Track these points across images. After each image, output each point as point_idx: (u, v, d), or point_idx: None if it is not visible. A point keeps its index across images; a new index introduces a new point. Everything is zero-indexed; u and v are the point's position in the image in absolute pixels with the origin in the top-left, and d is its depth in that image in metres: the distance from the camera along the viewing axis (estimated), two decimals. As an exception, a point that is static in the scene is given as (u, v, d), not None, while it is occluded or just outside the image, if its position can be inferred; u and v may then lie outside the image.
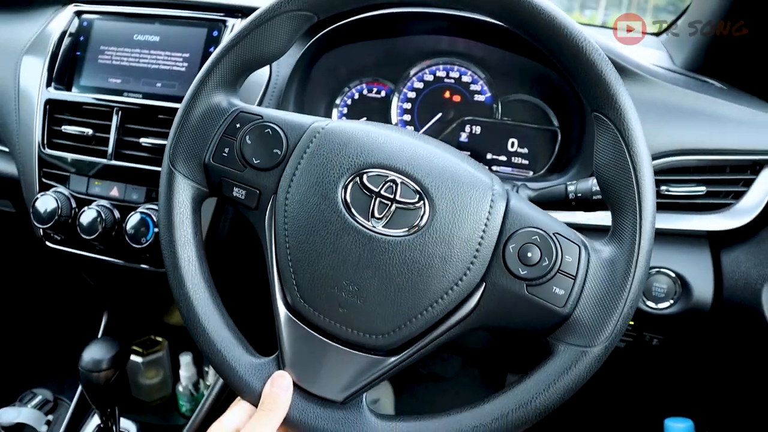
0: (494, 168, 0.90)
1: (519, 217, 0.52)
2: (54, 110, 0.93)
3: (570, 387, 0.50)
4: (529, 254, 0.50)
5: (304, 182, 0.54)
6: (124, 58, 0.93)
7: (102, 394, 0.91)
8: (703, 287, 0.79)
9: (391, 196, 0.52)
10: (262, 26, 0.58)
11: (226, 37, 0.81)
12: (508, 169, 0.90)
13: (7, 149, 1.02)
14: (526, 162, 0.90)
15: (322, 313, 0.53)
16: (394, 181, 0.53)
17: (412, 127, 0.93)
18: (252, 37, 0.58)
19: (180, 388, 1.15)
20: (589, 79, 0.51)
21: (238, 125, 0.59)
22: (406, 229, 0.52)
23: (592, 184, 0.63)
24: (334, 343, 0.53)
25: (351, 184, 0.53)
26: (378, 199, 0.52)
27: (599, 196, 0.63)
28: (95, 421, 1.03)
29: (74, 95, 0.92)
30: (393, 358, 0.53)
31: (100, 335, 1.13)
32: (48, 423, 1.17)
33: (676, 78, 0.85)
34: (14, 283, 1.41)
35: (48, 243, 0.94)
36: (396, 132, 0.57)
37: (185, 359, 1.14)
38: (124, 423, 1.04)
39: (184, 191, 0.59)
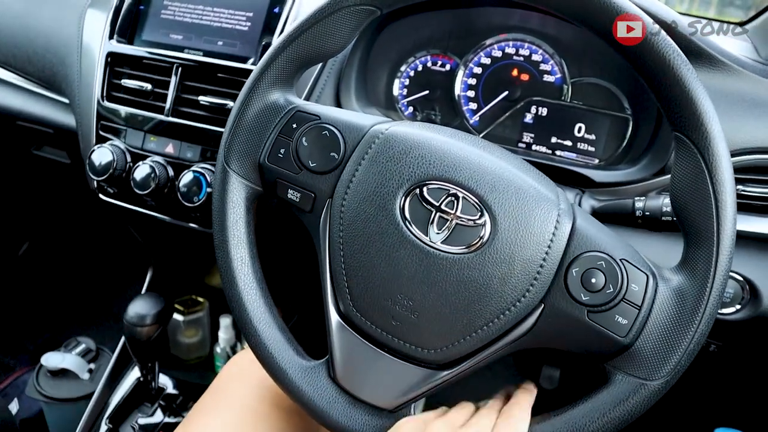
0: (558, 153, 0.86)
1: (585, 239, 0.49)
2: (115, 63, 0.93)
3: (624, 419, 0.48)
4: (593, 280, 0.48)
5: (361, 189, 0.52)
6: (186, 14, 0.91)
7: (144, 349, 0.92)
8: None
9: (452, 211, 0.50)
10: (322, 21, 0.55)
11: (288, 20, 0.79)
12: (573, 155, 0.86)
13: (67, 101, 1.03)
14: (592, 149, 0.85)
15: (374, 324, 0.52)
16: (455, 196, 0.50)
17: (475, 104, 0.90)
18: (311, 33, 0.56)
19: (218, 350, 1.16)
20: (673, 96, 0.47)
21: (294, 125, 0.57)
22: (466, 246, 0.49)
23: (662, 203, 0.59)
24: (385, 354, 0.52)
25: (410, 195, 0.51)
26: (438, 213, 0.50)
27: (669, 218, 0.59)
28: (135, 373, 1.05)
29: (135, 49, 0.92)
30: (445, 372, 0.52)
31: (144, 291, 1.15)
32: (90, 371, 1.20)
33: (764, 70, 0.79)
34: (66, 235, 1.45)
35: (101, 196, 0.95)
36: (459, 140, 0.54)
37: (225, 321, 1.15)
38: (163, 378, 1.05)
39: (238, 191, 0.58)
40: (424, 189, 0.51)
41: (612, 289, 0.47)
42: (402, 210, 0.51)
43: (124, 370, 1.08)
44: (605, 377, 0.50)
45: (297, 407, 0.54)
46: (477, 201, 0.50)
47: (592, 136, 0.85)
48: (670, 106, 0.48)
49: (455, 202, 0.50)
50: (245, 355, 0.76)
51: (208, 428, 0.64)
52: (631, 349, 0.48)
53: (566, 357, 1.14)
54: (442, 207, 0.50)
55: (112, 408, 1.01)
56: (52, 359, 1.20)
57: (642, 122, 0.82)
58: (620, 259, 0.48)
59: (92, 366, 1.21)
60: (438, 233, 0.50)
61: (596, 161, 0.85)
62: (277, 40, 0.58)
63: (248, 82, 0.58)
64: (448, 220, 0.50)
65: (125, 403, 1.02)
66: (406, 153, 0.52)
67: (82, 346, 1.24)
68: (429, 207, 0.50)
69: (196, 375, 1.11)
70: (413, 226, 0.50)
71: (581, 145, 0.86)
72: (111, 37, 0.93)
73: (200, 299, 1.22)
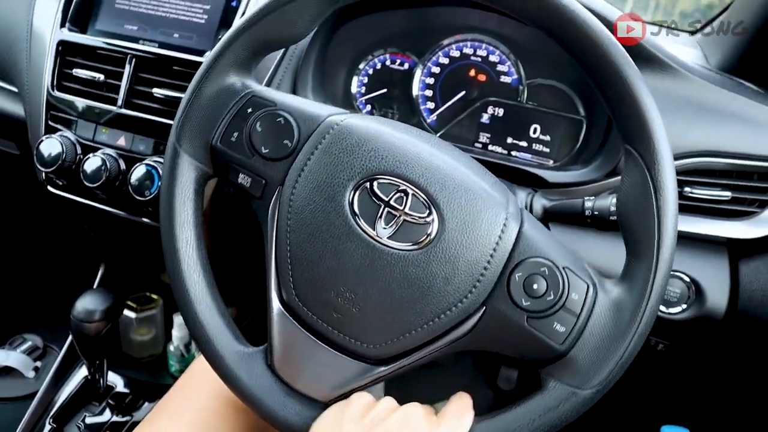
0: (514, 153, 0.87)
1: (530, 245, 0.50)
2: (66, 52, 0.91)
3: (554, 425, 0.48)
4: (535, 286, 0.48)
5: (312, 179, 0.52)
6: (142, 4, 0.90)
7: (92, 346, 0.90)
8: (717, 295, 0.76)
9: (401, 208, 0.50)
10: (283, 7, 0.55)
11: (245, 13, 0.78)
12: (528, 156, 0.87)
13: (15, 89, 0.99)
14: (547, 150, 0.87)
15: (315, 314, 0.51)
16: (405, 192, 0.50)
17: (432, 103, 0.90)
18: (272, 18, 0.55)
19: (171, 348, 1.13)
20: (628, 111, 0.48)
21: (249, 110, 0.56)
22: (412, 243, 0.49)
23: (610, 203, 0.60)
24: (324, 345, 0.52)
25: (360, 189, 0.51)
26: (386, 208, 0.50)
27: (615, 217, 0.60)
28: (83, 371, 1.02)
29: (88, 38, 0.89)
30: (382, 368, 0.51)
31: (95, 286, 1.12)
32: (36, 369, 1.16)
33: (711, 76, 0.82)
34: (14, 228, 1.40)
35: (50, 188, 0.92)
36: (413, 137, 0.54)
37: (179, 319, 1.12)
38: (112, 376, 1.03)
39: (187, 171, 0.57)
40: (374, 183, 0.51)
41: (552, 296, 0.48)
42: (351, 203, 0.50)
43: (71, 368, 1.04)
44: (538, 383, 0.50)
45: None
46: (426, 198, 0.50)
47: (547, 137, 0.87)
48: (622, 119, 0.49)
49: (404, 198, 0.50)
50: None
51: (172, 430, 0.63)
52: (566, 357, 0.48)
53: (502, 361, 1.15)
54: (391, 202, 0.50)
55: (57, 407, 0.98)
56: (-5, 357, 1.15)
57: (594, 124, 0.84)
58: (563, 267, 0.49)
59: (38, 364, 1.17)
60: (385, 228, 0.50)
61: (551, 162, 0.86)
62: (236, 23, 0.58)
63: (205, 62, 0.57)
64: (396, 215, 0.50)
65: (71, 402, 0.99)
66: (359, 146, 0.52)
67: (28, 344, 1.20)
68: (378, 201, 0.50)
69: (147, 374, 1.09)
70: (361, 219, 0.50)
71: (536, 146, 0.87)
72: (63, 25, 0.90)
73: (154, 296, 1.19)
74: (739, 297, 0.76)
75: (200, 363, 0.72)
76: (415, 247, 0.49)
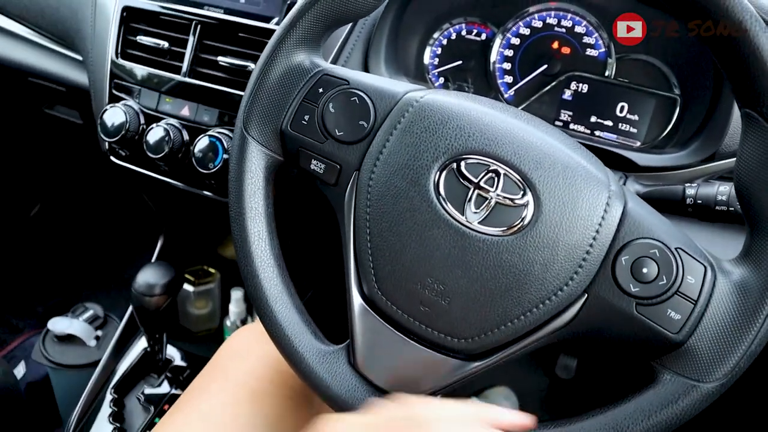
0: (597, 133, 0.81)
1: (637, 225, 0.45)
2: (130, 19, 0.89)
3: (671, 423, 0.44)
4: (645, 270, 0.44)
5: (392, 162, 0.48)
6: (208, -32, 0.86)
7: (152, 319, 0.89)
8: None
9: (492, 189, 0.46)
10: None
11: None
12: (613, 137, 0.80)
13: (80, 58, 0.98)
14: (634, 130, 0.80)
15: (400, 309, 0.48)
16: (496, 172, 0.46)
17: (511, 77, 0.84)
18: None
19: (228, 323, 1.13)
20: (747, 66, 0.42)
21: (320, 90, 0.52)
22: (506, 227, 0.45)
23: (717, 191, 0.55)
24: (411, 341, 0.48)
25: (446, 170, 0.47)
26: (476, 190, 0.46)
27: (723, 207, 0.55)
28: (142, 343, 1.02)
29: (152, 3, 0.87)
30: (475, 364, 0.48)
31: (154, 258, 1.12)
32: (97, 338, 1.18)
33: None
34: (78, 198, 1.42)
35: (113, 158, 0.91)
36: (501, 112, 0.50)
37: (236, 294, 1.11)
38: (170, 350, 1.03)
39: (257, 159, 0.54)
40: (462, 163, 0.47)
41: (665, 281, 0.43)
42: (436, 186, 0.47)
43: (131, 339, 1.05)
44: (651, 375, 0.46)
45: (301, 387, 0.51)
46: (520, 179, 0.46)
47: (635, 117, 0.80)
48: (742, 78, 0.43)
49: (496, 178, 0.46)
50: (247, 331, 0.72)
51: (205, 410, 0.61)
52: (683, 347, 0.44)
53: (608, 351, 1.09)
54: (481, 184, 0.46)
55: (117, 377, 0.98)
56: (59, 324, 1.17)
57: (692, 104, 0.76)
58: (675, 248, 0.44)
59: (99, 333, 1.18)
60: (475, 212, 0.46)
61: (638, 144, 0.79)
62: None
63: (271, 41, 0.54)
64: (487, 198, 0.46)
65: (131, 373, 0.99)
66: (443, 124, 0.48)
67: (89, 312, 1.22)
68: (467, 183, 0.46)
69: (205, 348, 1.08)
70: (448, 203, 0.46)
71: (623, 126, 0.80)
72: (127, -10, 0.88)
73: (212, 270, 1.18)
74: None
75: (230, 344, 0.69)
76: (510, 231, 0.45)
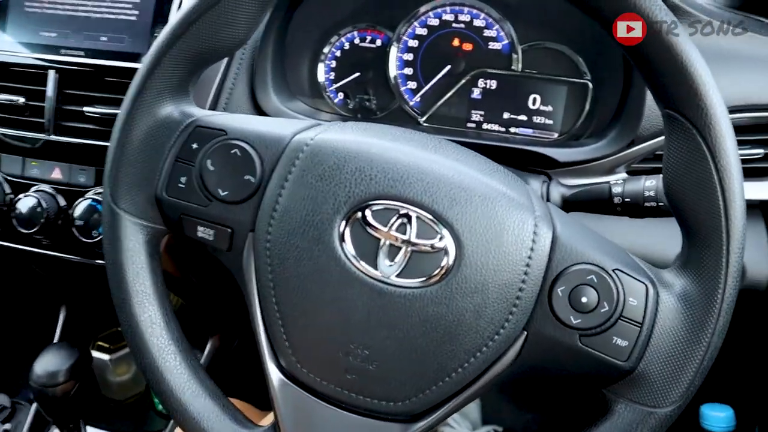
0: (512, 129, 0.77)
1: (569, 250, 0.42)
2: (-26, 73, 0.77)
3: None
4: (584, 299, 0.41)
5: (288, 220, 0.43)
6: (58, 4, 0.77)
7: (61, 409, 0.78)
8: (757, 265, 0.68)
9: (405, 237, 0.41)
10: (215, 7, 0.45)
11: (169, 22, 0.67)
12: (529, 131, 0.77)
13: None
14: (549, 122, 0.77)
15: (325, 380, 0.43)
16: (407, 216, 0.42)
17: (414, 83, 0.79)
18: (203, 23, 0.45)
19: (156, 386, 1.03)
20: (668, 70, 0.39)
21: (194, 145, 0.47)
22: (426, 277, 0.41)
23: (643, 186, 0.53)
24: (344, 411, 0.44)
25: (351, 221, 0.42)
26: (388, 240, 0.42)
27: (652, 203, 0.53)
28: (60, 431, 0.91)
29: (-2, 53, 0.76)
30: (420, 423, 0.44)
31: (58, 334, 1.01)
32: (6, 432, 1.06)
33: (734, 18, 0.71)
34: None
35: (-19, 236, 0.80)
36: (404, 144, 0.45)
37: (160, 354, 1.02)
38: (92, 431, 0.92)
39: (134, 235, 0.48)
40: (367, 212, 0.42)
41: (607, 308, 0.41)
42: (342, 240, 0.42)
43: (46, 427, 0.94)
44: (605, 405, 0.44)
45: None
46: (434, 219, 0.42)
47: (549, 108, 0.77)
48: (661, 80, 0.40)
49: (407, 224, 0.42)
50: None
51: None
52: (634, 374, 0.41)
53: (556, 385, 1.09)
54: (392, 232, 0.42)
55: (35, 478, 0.88)
56: (-39, 421, 1.04)
57: (604, 88, 0.74)
58: (613, 270, 0.41)
59: (8, 426, 1.06)
60: (390, 265, 0.42)
61: (555, 135, 0.77)
62: (159, 36, 0.47)
63: (129, 92, 0.48)
64: (400, 247, 0.42)
65: (51, 470, 0.89)
66: (339, 168, 0.43)
67: (-6, 404, 1.09)
68: (375, 234, 0.42)
69: (132, 422, 0.99)
70: (359, 259, 0.42)
71: (537, 119, 0.77)
72: (-36, 41, 0.77)
73: (128, 331, 1.08)
74: None
75: None
76: (432, 281, 0.41)
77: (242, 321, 0.93)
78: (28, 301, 1.16)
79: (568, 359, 0.42)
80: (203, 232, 0.46)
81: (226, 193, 0.45)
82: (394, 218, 0.42)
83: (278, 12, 0.72)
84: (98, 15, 0.75)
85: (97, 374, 1.03)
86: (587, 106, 0.75)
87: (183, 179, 0.47)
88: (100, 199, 0.71)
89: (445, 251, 0.41)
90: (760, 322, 0.78)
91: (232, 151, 0.46)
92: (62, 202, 0.74)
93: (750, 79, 0.65)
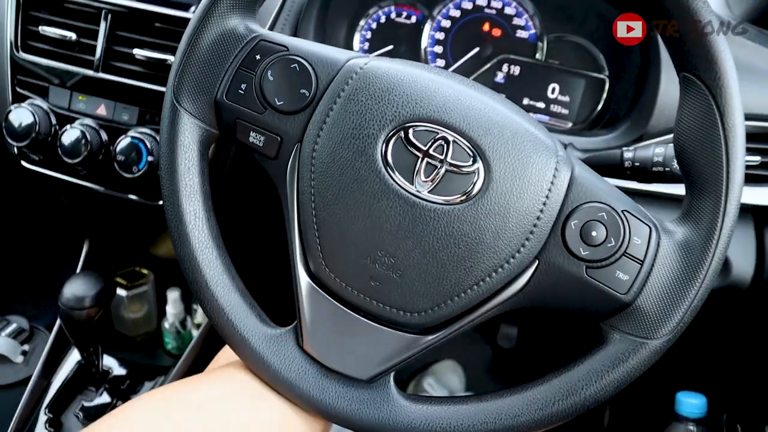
0: (530, 115, 0.81)
1: (584, 189, 0.45)
2: (29, 5, 0.81)
3: (623, 380, 0.45)
4: (594, 233, 0.44)
5: (336, 132, 0.46)
6: (115, -50, 0.79)
7: (84, 332, 0.84)
8: (743, 265, 0.73)
9: (441, 157, 0.44)
10: None
11: None
12: (546, 118, 0.81)
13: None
14: (566, 111, 0.81)
15: (350, 285, 0.46)
16: (445, 139, 0.44)
17: (443, 61, 0.83)
18: None
19: (166, 325, 1.08)
20: (687, 32, 0.43)
21: (257, 57, 0.49)
22: (456, 196, 0.44)
23: (653, 153, 0.56)
24: (362, 318, 0.47)
25: (394, 139, 0.45)
26: (426, 159, 0.44)
27: (660, 168, 0.56)
28: (76, 355, 0.97)
29: (53, -11, 0.80)
30: (428, 337, 0.47)
31: (80, 265, 1.05)
32: (24, 353, 1.10)
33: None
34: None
35: (24, 163, 0.84)
36: (449, 79, 0.48)
37: (173, 295, 1.07)
38: (107, 360, 0.97)
39: (190, 133, 0.50)
40: (410, 131, 0.45)
41: (613, 243, 0.44)
42: (384, 155, 0.45)
43: (63, 351, 0.99)
44: (600, 337, 0.47)
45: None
46: (469, 145, 0.45)
47: (566, 98, 0.81)
48: (679, 42, 0.44)
49: (445, 146, 0.45)
50: None
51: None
52: (631, 307, 0.45)
53: (556, 316, 1.13)
54: (431, 152, 0.44)
55: (51, 395, 0.92)
56: (-23, 342, 1.09)
57: (620, 85, 0.78)
58: (622, 210, 0.45)
59: (26, 347, 1.10)
60: (425, 181, 0.45)
61: (569, 125, 0.81)
62: None
63: (203, 3, 0.50)
64: (436, 166, 0.44)
65: (66, 389, 0.93)
66: (389, 91, 0.46)
67: (13, 326, 1.13)
68: (415, 152, 0.45)
69: (143, 355, 1.04)
70: (397, 173, 0.45)
71: (554, 108, 0.81)
72: (22, -28, 0.80)
73: (144, 271, 1.13)
74: (765, 266, 0.73)
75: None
76: (460, 200, 0.44)
77: (265, 254, 0.96)
78: (52, 233, 1.20)
79: (574, 290, 0.45)
80: (254, 138, 0.49)
81: (281, 102, 0.48)
82: (433, 140, 0.44)
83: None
84: (153, -36, 0.79)
85: (112, 309, 1.08)
86: (602, 100, 0.80)
87: (243, 86, 0.49)
88: (141, 137, 0.74)
89: (476, 174, 0.44)
90: (739, 318, 0.83)
91: (292, 66, 0.48)
92: (105, 137, 0.77)
93: (752, 90, 0.69)
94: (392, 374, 0.48)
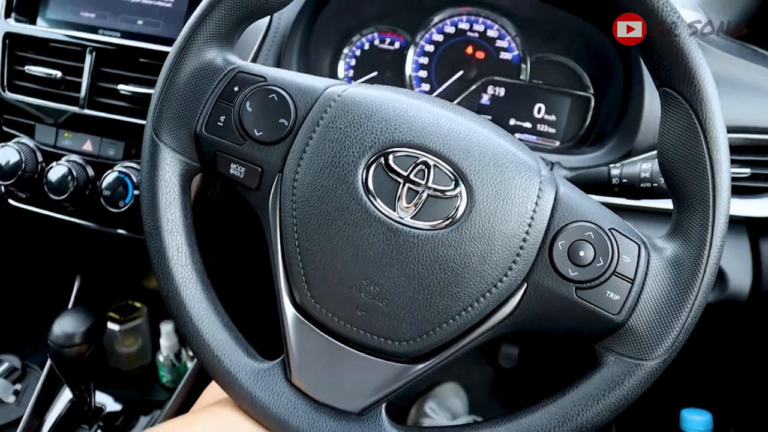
0: (517, 136, 0.82)
1: (570, 209, 0.44)
2: (15, 46, 0.82)
3: (620, 404, 0.44)
4: (581, 253, 0.43)
5: (316, 161, 0.45)
6: (98, -12, 0.80)
7: (75, 370, 0.82)
8: (740, 277, 0.73)
9: (423, 182, 0.44)
10: None
11: None
12: (533, 138, 0.82)
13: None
14: (552, 131, 0.81)
15: (336, 316, 0.46)
16: (426, 164, 0.44)
17: (428, 85, 0.83)
18: None
19: (160, 358, 1.07)
20: (665, 48, 0.43)
21: (236, 88, 0.49)
22: (440, 221, 0.44)
23: (640, 169, 0.56)
24: (350, 348, 0.46)
25: (374, 165, 0.44)
26: (407, 184, 0.44)
27: (647, 184, 0.56)
28: (68, 394, 0.95)
29: (39, 30, 0.81)
30: (419, 366, 0.46)
31: (72, 301, 1.04)
32: (16, 393, 1.09)
33: (728, 45, 0.76)
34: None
35: (11, 201, 0.84)
36: (428, 103, 0.48)
37: (166, 328, 1.06)
38: (100, 396, 0.96)
39: (170, 167, 0.50)
40: (390, 157, 0.45)
41: (602, 263, 0.43)
42: (365, 182, 0.45)
43: (55, 389, 0.97)
44: (594, 359, 0.46)
45: None
46: (451, 169, 0.44)
47: (553, 117, 0.81)
48: (658, 58, 0.44)
49: (426, 171, 0.44)
50: None
51: None
52: (624, 328, 0.44)
53: (549, 339, 1.12)
54: (411, 177, 0.44)
55: (43, 435, 0.91)
56: (-30, 381, 1.07)
57: (605, 102, 0.78)
58: (609, 229, 0.44)
59: (18, 387, 1.09)
60: (407, 207, 0.44)
61: (557, 143, 0.81)
62: None
63: (180, 37, 0.50)
64: (418, 191, 0.44)
65: (58, 429, 0.92)
66: (368, 117, 0.46)
67: (5, 365, 1.12)
68: (396, 178, 0.44)
69: (138, 389, 1.02)
70: (378, 200, 0.44)
71: (541, 127, 0.81)
72: (8, 15, 0.82)
73: (137, 304, 1.12)
74: (762, 277, 0.72)
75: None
76: (444, 224, 0.44)
77: (249, 286, 0.96)
78: (43, 269, 1.20)
79: (564, 312, 0.44)
80: (235, 169, 0.49)
81: (261, 133, 0.48)
82: (414, 165, 0.44)
83: (305, 9, 0.76)
84: (135, 0, 0.79)
85: (105, 344, 1.06)
86: (588, 118, 0.80)
87: (222, 118, 0.49)
88: (127, 171, 0.74)
89: (458, 198, 0.44)
90: (739, 332, 0.82)
91: (270, 96, 0.48)
92: (91, 172, 0.77)
93: (743, 104, 0.69)
94: (384, 405, 0.47)
